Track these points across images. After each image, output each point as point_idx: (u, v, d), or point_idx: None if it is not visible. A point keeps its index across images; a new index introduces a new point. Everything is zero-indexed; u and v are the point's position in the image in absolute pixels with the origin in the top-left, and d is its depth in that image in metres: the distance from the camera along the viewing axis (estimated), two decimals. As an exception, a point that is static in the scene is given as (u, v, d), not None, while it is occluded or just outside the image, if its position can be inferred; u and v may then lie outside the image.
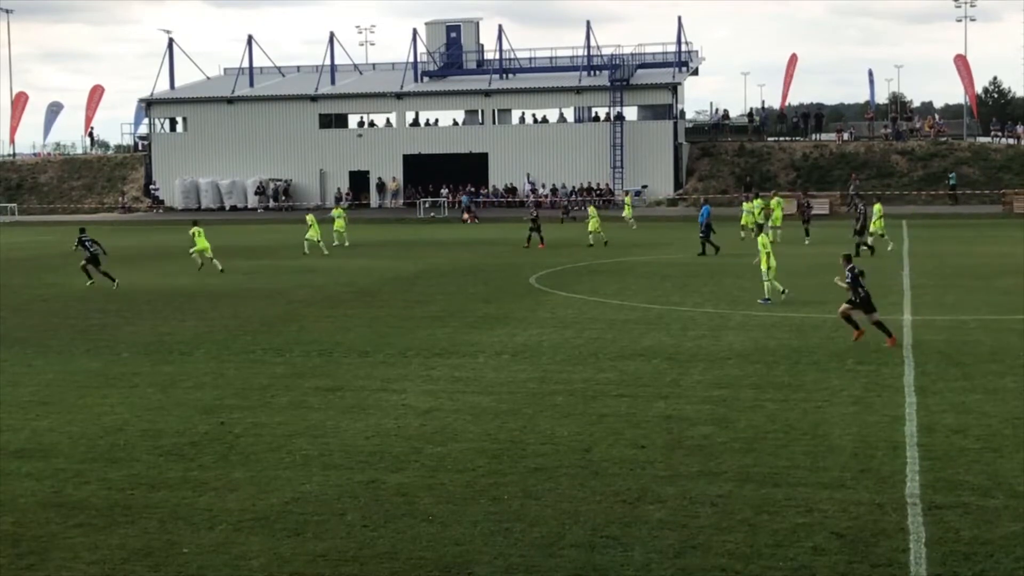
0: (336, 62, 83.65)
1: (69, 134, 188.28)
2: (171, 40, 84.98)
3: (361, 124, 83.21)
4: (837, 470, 13.11)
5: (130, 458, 14.16)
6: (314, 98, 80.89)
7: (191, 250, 37.80)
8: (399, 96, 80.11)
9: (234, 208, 78.95)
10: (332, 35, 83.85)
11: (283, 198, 78.58)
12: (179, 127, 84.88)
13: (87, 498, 12.52)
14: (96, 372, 20.08)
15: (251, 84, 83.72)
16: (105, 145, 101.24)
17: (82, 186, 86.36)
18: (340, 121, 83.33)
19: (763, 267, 26.85)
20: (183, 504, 12.23)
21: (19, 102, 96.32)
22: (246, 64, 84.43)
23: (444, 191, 75.47)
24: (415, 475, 13.23)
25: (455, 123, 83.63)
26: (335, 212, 49.95)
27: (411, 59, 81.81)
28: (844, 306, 21.94)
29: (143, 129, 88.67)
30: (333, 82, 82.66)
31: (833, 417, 15.69)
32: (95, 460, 14.10)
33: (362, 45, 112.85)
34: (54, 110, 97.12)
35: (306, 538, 11.11)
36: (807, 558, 10.36)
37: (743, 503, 11.91)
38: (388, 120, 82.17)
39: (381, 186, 79.11)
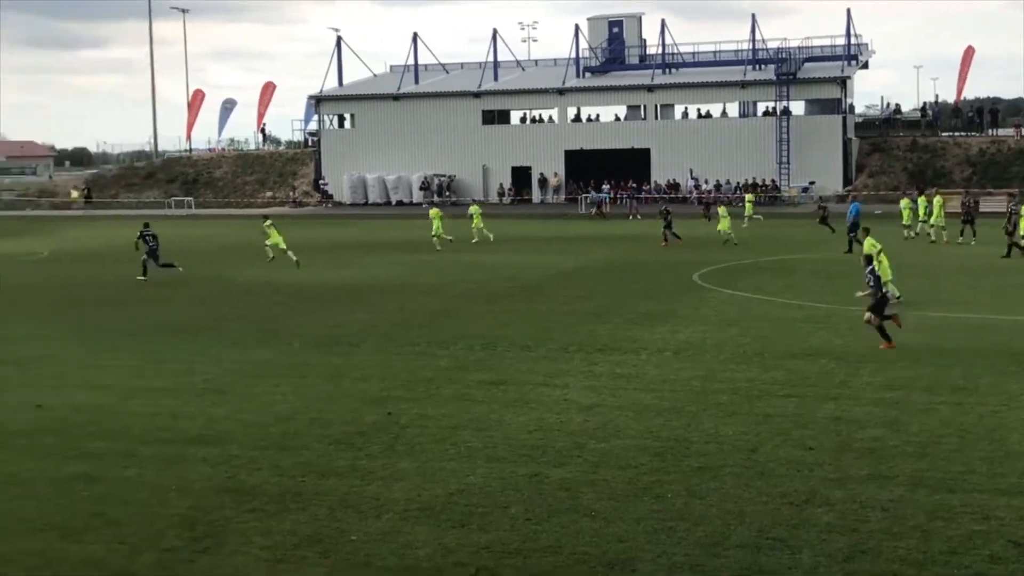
0: (499, 58, 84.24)
1: (242, 130, 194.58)
2: (339, 39, 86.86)
3: (523, 120, 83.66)
4: (1015, 476, 12.63)
5: (300, 446, 14.51)
6: (477, 94, 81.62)
7: (266, 243, 38.68)
8: (561, 92, 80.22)
9: (400, 203, 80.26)
10: (495, 32, 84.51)
11: (447, 193, 79.52)
12: (347, 123, 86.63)
13: (260, 484, 12.88)
14: (268, 362, 20.65)
15: (416, 81, 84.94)
16: (276, 141, 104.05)
17: (254, 181, 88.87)
18: (503, 117, 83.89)
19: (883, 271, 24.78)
20: (351, 492, 12.48)
21: (195, 100, 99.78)
22: (411, 61, 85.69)
23: (606, 187, 75.29)
24: (578, 470, 13.23)
25: (617, 118, 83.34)
26: (432, 212, 47.81)
27: (573, 55, 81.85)
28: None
29: (313, 125, 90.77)
30: (496, 78, 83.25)
31: (1011, 422, 15.11)
32: (267, 447, 14.51)
33: (524, 41, 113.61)
34: (228, 107, 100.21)
35: (471, 529, 11.22)
36: (983, 566, 10.00)
37: (916, 508, 11.56)
38: (550, 116, 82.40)
39: (543, 182, 79.37)
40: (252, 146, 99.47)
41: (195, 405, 17.04)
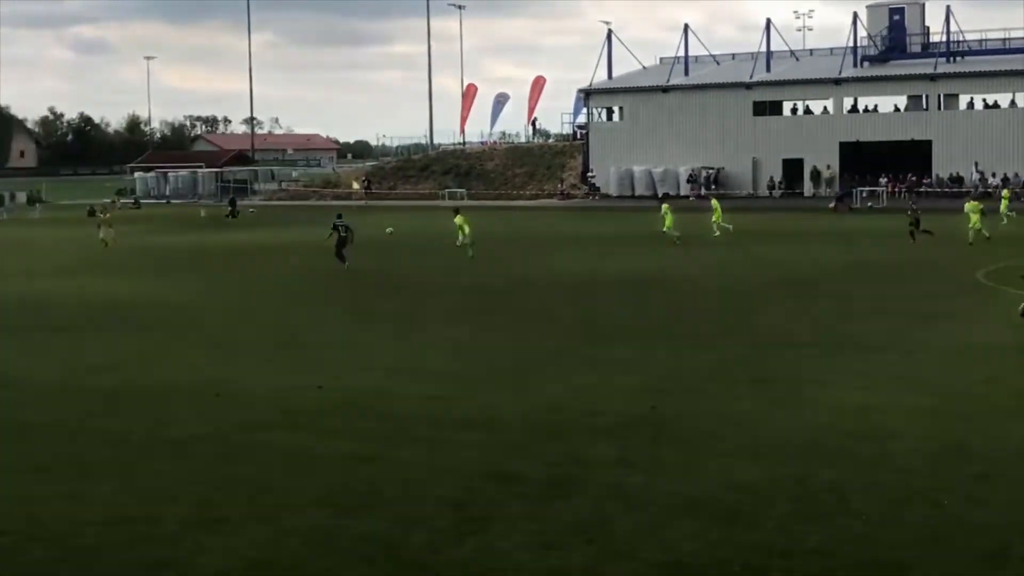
0: (772, 48, 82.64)
1: (513, 123, 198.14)
2: (610, 32, 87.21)
3: (795, 111, 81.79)
4: None
5: (566, 435, 14.67)
6: (749, 85, 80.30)
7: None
8: (837, 82, 77.95)
9: (666, 196, 79.83)
10: (768, 21, 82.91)
11: (714, 186, 78.66)
12: (615, 116, 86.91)
13: (526, 471, 13.09)
14: (538, 350, 20.96)
15: (686, 73, 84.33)
16: (546, 134, 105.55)
17: (524, 173, 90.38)
18: (775, 108, 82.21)
19: None
20: (616, 483, 12.52)
21: (469, 94, 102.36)
22: (682, 53, 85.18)
23: (883, 180, 72.68)
24: (848, 472, 12.84)
25: (896, 109, 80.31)
26: (664, 208, 45.71)
27: (850, 43, 79.39)
28: None
29: (581, 118, 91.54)
30: (768, 69, 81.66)
31: None
32: (535, 434, 14.73)
33: (799, 31, 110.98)
34: (500, 101, 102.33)
35: (736, 527, 11.06)
36: None
37: None
38: (824, 107, 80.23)
39: (815, 175, 77.38)
40: (522, 139, 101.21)
41: (466, 390, 17.49)
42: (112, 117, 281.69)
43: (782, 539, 10.70)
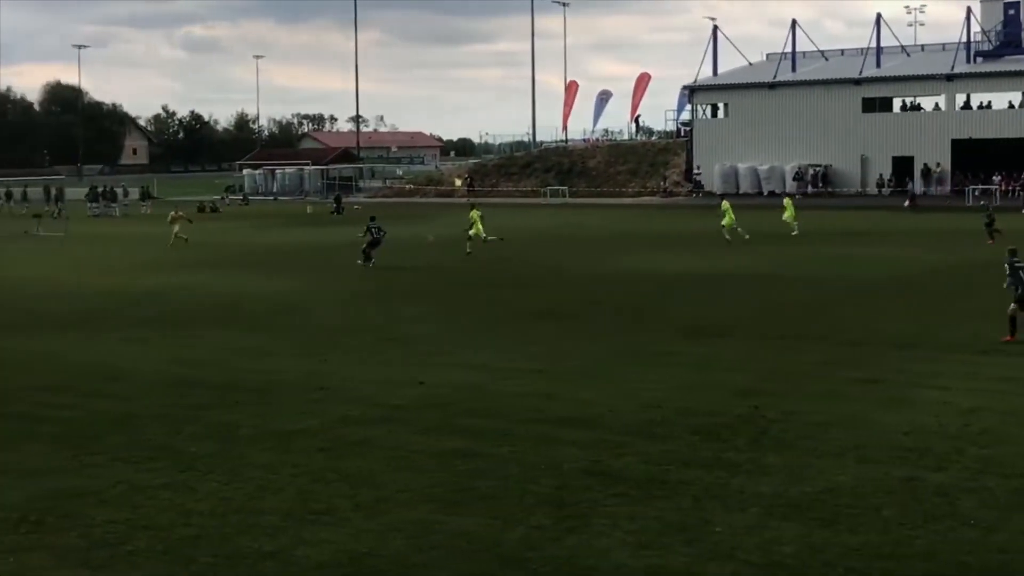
0: (882, 44, 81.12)
1: (616, 121, 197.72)
2: (715, 27, 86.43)
3: (905, 108, 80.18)
4: None
5: (666, 434, 14.57)
6: (857, 81, 78.95)
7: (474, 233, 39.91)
8: (949, 78, 76.25)
9: (772, 193, 78.94)
10: (879, 16, 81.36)
11: (821, 184, 77.49)
12: (720, 113, 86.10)
13: (626, 469, 13.04)
14: (635, 349, 20.86)
15: (793, 69, 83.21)
16: (649, 131, 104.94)
17: (627, 171, 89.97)
18: (884, 105, 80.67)
19: None
20: (716, 484, 12.41)
21: (571, 91, 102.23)
22: (789, 49, 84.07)
23: (996, 178, 70.92)
24: (957, 476, 12.54)
25: (1010, 106, 78.27)
26: (724, 206, 44.48)
27: (963, 39, 77.60)
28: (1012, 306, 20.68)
29: (685, 115, 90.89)
30: (878, 65, 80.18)
31: None
32: (634, 433, 14.66)
33: (910, 25, 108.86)
34: (603, 98, 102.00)
35: (839, 529, 10.88)
36: None
37: None
38: (936, 103, 78.55)
39: (926, 172, 75.79)
40: (625, 136, 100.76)
41: (565, 388, 17.47)
42: (221, 115, 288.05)
43: (887, 543, 10.49)
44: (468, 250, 39.57)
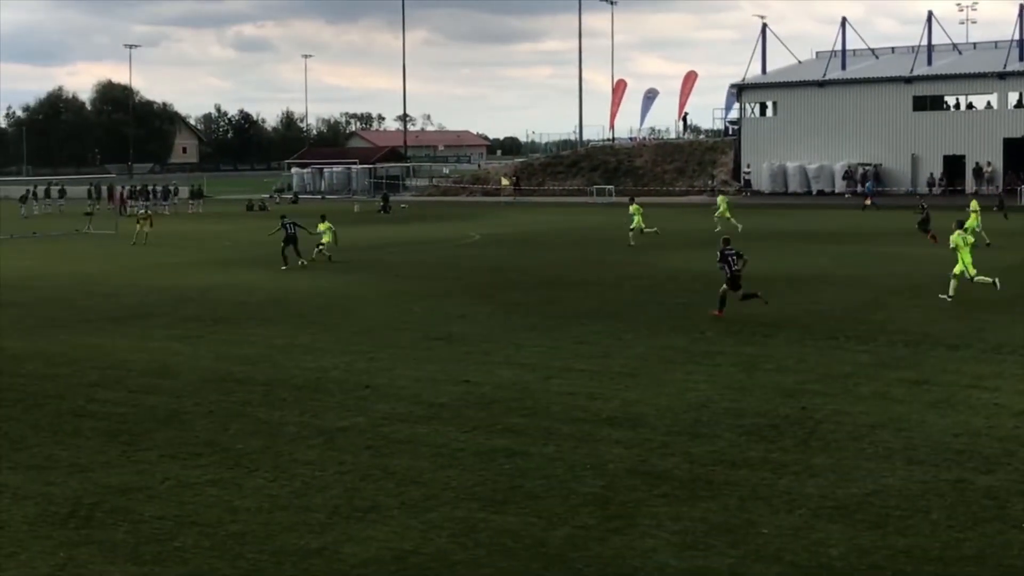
0: (933, 42, 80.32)
1: (663, 119, 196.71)
2: (764, 25, 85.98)
3: (957, 106, 79.32)
4: None
5: (712, 434, 14.49)
6: (908, 80, 78.25)
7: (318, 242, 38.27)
8: (1002, 76, 75.38)
9: (821, 192, 78.45)
10: (930, 14, 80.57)
11: (871, 183, 76.87)
12: (769, 111, 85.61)
13: (671, 469, 12.98)
14: (681, 348, 20.77)
15: (843, 67, 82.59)
16: (696, 130, 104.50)
17: (674, 170, 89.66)
18: (935, 103, 79.90)
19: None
20: (762, 485, 12.32)
21: (619, 89, 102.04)
22: (839, 47, 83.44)
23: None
24: (1007, 478, 12.39)
25: (1064, 104, 77.28)
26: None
27: (1016, 36, 76.65)
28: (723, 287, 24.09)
29: (733, 114, 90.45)
30: (929, 63, 79.41)
31: None
32: (679, 433, 14.59)
33: (962, 23, 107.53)
34: (650, 97, 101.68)
35: (887, 532, 10.77)
36: None
37: None
38: (988, 102, 77.65)
39: (978, 171, 74.95)
40: (672, 135, 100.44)
41: (610, 387, 17.42)
42: (269, 114, 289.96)
43: (936, 545, 10.38)
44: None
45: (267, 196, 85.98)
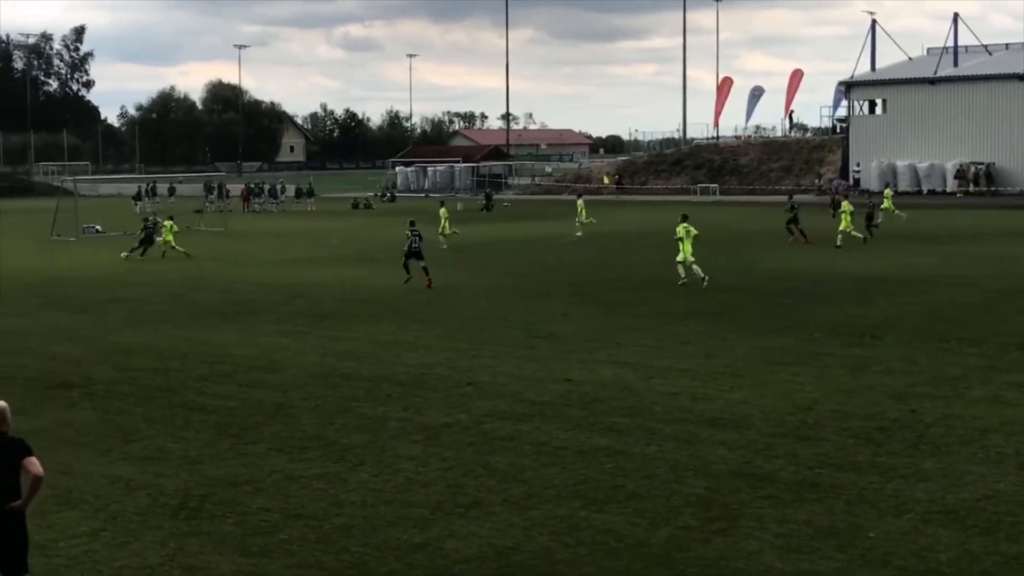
0: (1050, 37, 78.21)
1: (769, 117, 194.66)
2: (874, 22, 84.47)
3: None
4: None
5: (818, 437, 14.29)
6: (1022, 77, 76.24)
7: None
8: (1121, 71, 73.12)
9: (931, 192, 76.85)
10: (1047, 8, 78.46)
11: (984, 182, 75.05)
12: (878, 109, 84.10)
13: (776, 471, 12.83)
14: (787, 350, 20.51)
15: (955, 64, 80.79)
16: (803, 128, 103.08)
17: (780, 168, 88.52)
18: (1050, 100, 77.73)
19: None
20: (869, 488, 12.12)
21: (724, 87, 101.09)
22: (950, 43, 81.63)
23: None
24: None
25: None
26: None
27: None
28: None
29: (841, 111, 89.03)
30: (1046, 58, 77.33)
31: None
32: (784, 435, 14.42)
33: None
34: (756, 95, 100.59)
35: (998, 538, 10.53)
36: None
37: None
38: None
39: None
40: (778, 133, 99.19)
41: (714, 388, 17.27)
42: (373, 112, 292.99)
43: (1050, 554, 10.11)
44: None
45: (371, 194, 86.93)
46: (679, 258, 30.42)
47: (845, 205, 41.73)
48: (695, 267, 29.86)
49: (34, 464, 8.54)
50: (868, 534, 10.73)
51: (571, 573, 10.09)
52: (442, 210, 44.75)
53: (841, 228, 40.15)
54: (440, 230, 43.23)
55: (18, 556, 8.72)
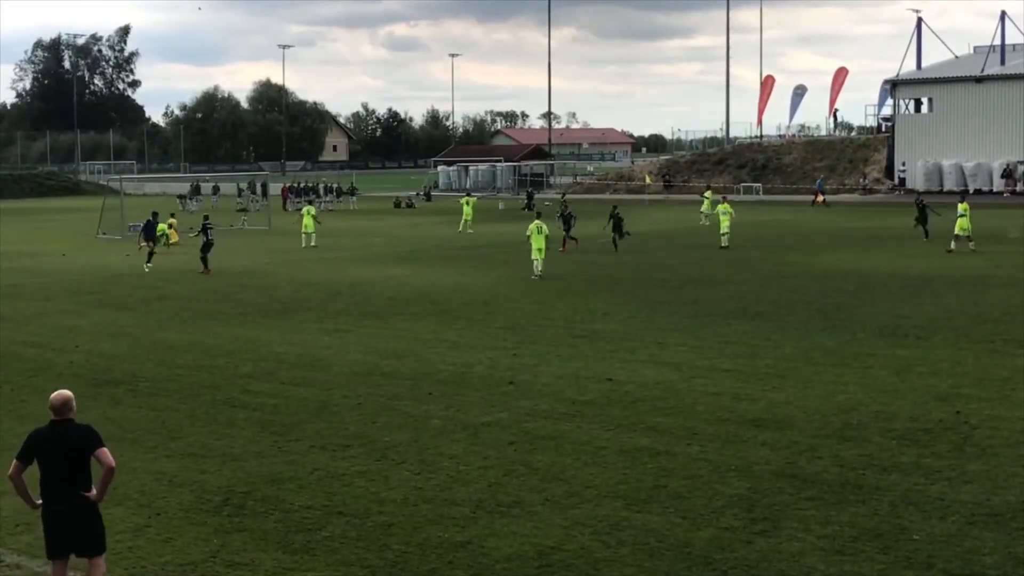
0: (1098, 35, 77.17)
1: (813, 116, 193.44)
2: (920, 20, 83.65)
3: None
4: None
5: (862, 438, 14.18)
6: (1071, 74, 75.25)
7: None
8: None
9: (978, 191, 76.01)
10: (1097, 5, 77.38)
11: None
12: (924, 108, 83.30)
13: (819, 472, 12.75)
14: (831, 350, 20.36)
15: (1002, 62, 79.87)
16: (848, 126, 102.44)
17: (824, 167, 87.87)
18: (1100, 99, 76.63)
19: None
20: (914, 490, 12.02)
21: (767, 85, 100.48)
22: (997, 41, 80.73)
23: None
24: None
25: None
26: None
27: None
28: None
29: (887, 110, 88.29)
30: (1094, 56, 76.32)
31: None
32: (828, 436, 14.32)
33: None
34: (799, 93, 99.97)
35: (1047, 543, 10.40)
36: None
37: None
38: None
39: None
40: (823, 132, 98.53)
41: (757, 388, 17.18)
42: (416, 112, 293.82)
43: (1098, 559, 9.98)
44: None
45: (414, 193, 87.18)
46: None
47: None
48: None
49: (106, 455, 8.77)
50: (912, 536, 10.64)
51: (612, 573, 10.07)
52: (467, 206, 46.79)
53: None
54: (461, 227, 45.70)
55: (95, 546, 8.89)
